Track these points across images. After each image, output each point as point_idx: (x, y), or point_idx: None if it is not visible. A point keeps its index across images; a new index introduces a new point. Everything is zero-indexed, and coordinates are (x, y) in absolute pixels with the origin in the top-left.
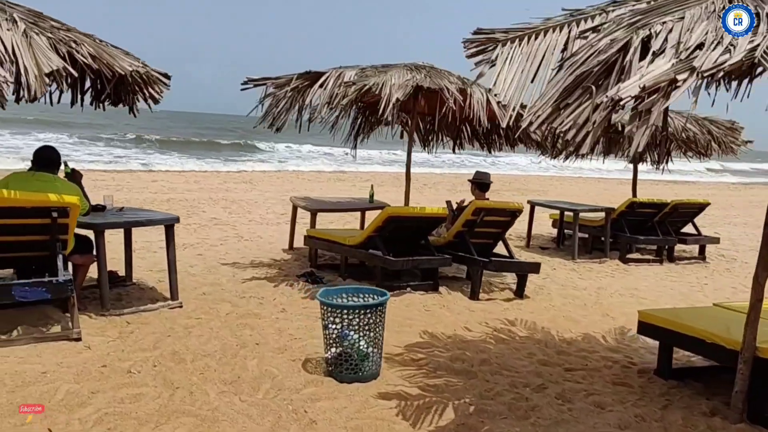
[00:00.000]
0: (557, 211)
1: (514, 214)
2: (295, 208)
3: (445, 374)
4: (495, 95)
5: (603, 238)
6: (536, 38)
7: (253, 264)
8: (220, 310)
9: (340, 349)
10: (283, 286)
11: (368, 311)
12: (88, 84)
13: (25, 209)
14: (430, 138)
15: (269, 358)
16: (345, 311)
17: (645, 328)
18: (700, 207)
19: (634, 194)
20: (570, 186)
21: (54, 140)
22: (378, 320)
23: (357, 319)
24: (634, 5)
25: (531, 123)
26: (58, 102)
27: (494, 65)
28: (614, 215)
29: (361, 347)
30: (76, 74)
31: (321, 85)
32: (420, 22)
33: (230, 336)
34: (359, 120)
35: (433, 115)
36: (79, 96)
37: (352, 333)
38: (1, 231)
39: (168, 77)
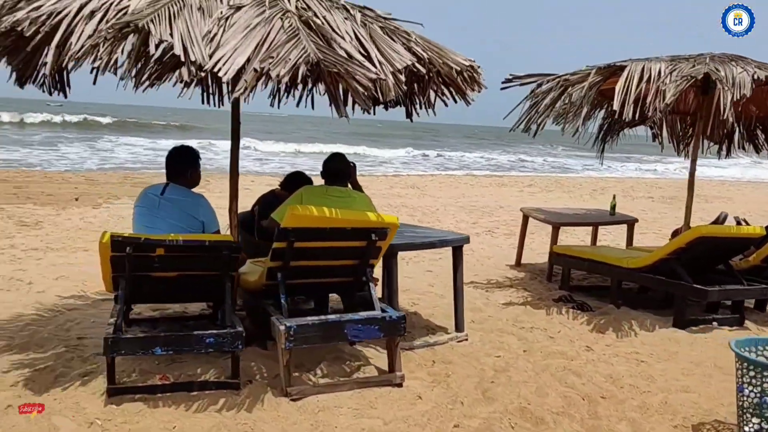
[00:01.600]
0: None
1: None
2: (525, 219)
3: None
4: None
5: None
6: None
7: (491, 283)
8: (511, 345)
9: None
10: (554, 314)
11: None
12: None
13: (345, 230)
14: (688, 140)
15: (641, 423)
16: None
17: None
18: None
19: None
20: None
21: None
22: None
23: None
24: None
25: None
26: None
27: None
28: None
29: None
30: (424, 70)
31: (626, 82)
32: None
33: (560, 385)
34: (608, 121)
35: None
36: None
37: None
38: (314, 255)
39: None
